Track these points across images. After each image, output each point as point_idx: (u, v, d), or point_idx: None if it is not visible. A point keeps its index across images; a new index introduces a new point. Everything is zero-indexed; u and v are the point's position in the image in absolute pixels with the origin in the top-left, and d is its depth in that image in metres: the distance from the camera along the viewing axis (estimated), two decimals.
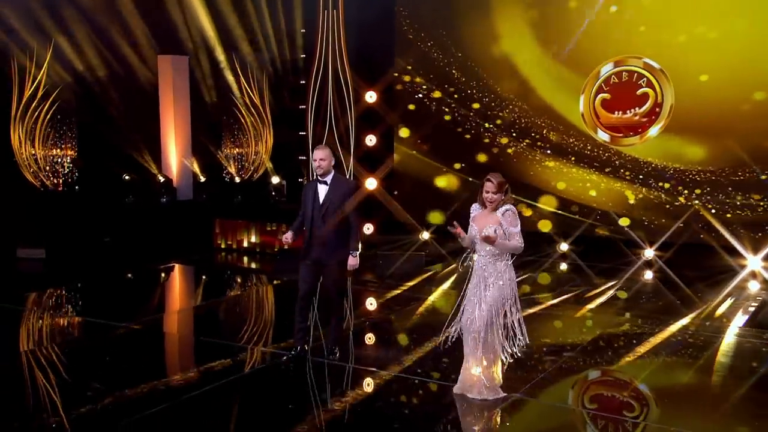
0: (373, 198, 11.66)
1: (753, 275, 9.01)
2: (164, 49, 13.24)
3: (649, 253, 9.83)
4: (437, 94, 11.42)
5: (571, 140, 10.53)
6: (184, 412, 5.02)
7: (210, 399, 5.23)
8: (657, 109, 9.79)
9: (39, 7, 11.70)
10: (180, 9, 12.57)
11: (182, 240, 11.74)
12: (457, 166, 11.35)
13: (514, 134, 10.90)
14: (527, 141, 10.77)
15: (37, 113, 11.91)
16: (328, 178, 6.20)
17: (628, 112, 10.01)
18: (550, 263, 10.24)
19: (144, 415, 4.87)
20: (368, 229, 11.30)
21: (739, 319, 7.63)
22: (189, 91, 13.60)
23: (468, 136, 11.28)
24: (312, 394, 5.52)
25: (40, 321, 8.09)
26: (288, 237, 6.09)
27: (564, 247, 10.46)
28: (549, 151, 10.67)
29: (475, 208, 5.14)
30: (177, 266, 10.63)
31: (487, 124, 11.07)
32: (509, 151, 10.92)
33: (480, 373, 5.09)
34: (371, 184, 11.46)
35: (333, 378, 5.80)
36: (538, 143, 10.70)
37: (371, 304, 8.39)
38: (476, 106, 11.13)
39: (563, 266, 10.21)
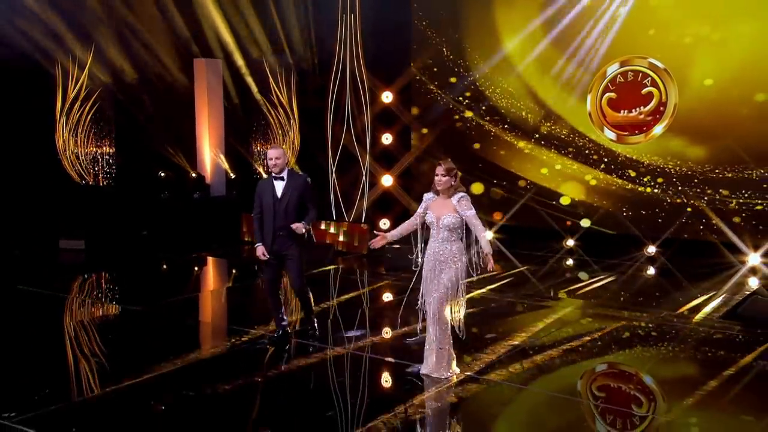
0: (390, 194, 11.99)
1: (752, 271, 9.05)
2: (199, 52, 13.52)
3: (651, 249, 9.98)
4: (450, 96, 11.57)
5: (579, 141, 10.66)
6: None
7: (191, 374, 5.75)
8: (661, 108, 9.90)
9: (81, 12, 12.03)
10: (213, 15, 12.87)
11: (212, 233, 12.11)
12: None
13: (520, 132, 11.06)
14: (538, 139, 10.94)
15: (79, 113, 12.22)
16: (284, 174, 6.49)
17: (633, 110, 10.14)
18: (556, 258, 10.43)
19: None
20: (384, 224, 11.60)
21: (715, 312, 7.69)
22: (222, 92, 13.82)
23: (475, 133, 11.45)
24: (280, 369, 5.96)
25: (78, 304, 8.66)
26: (262, 252, 6.39)
27: (570, 242, 10.67)
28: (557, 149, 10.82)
29: (428, 197, 5.41)
30: (209, 258, 10.99)
31: (502, 126, 11.22)
32: (526, 149, 11.07)
33: (440, 353, 5.38)
34: (387, 181, 11.84)
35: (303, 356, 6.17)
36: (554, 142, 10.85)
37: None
38: (485, 106, 11.28)
39: (570, 261, 10.34)
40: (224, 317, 8.24)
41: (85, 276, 10.11)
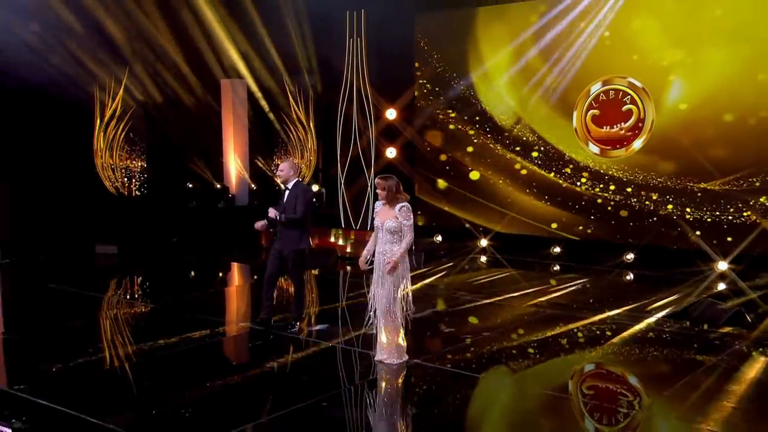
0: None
1: (720, 277, 9.34)
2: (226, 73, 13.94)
3: (629, 256, 10.41)
4: (452, 113, 11.96)
5: (567, 155, 11.01)
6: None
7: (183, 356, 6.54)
8: (640, 124, 10.26)
9: (117, 38, 12.48)
10: (236, 41, 13.27)
11: (235, 240, 12.65)
12: (475, 175, 11.91)
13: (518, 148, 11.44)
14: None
15: (114, 131, 12.70)
16: (290, 185, 7.00)
17: (614, 126, 10.49)
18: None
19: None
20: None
21: (667, 311, 8.03)
22: (246, 110, 14.22)
23: (472, 148, 11.82)
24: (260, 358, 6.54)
25: (116, 299, 9.39)
26: (262, 224, 7.10)
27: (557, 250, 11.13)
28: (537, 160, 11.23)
29: (378, 205, 5.94)
30: (232, 262, 11.69)
31: (502, 141, 11.60)
32: (522, 170, 11.46)
33: (389, 341, 5.95)
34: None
35: (283, 346, 6.80)
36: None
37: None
38: (490, 125, 11.64)
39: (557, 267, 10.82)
40: (235, 311, 8.88)
41: (118, 277, 10.84)
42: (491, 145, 11.68)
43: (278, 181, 7.41)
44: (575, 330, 7.45)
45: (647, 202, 10.37)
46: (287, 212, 6.93)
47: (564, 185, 11.07)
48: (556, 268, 10.74)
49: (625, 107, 10.39)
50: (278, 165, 7.44)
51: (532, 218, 11.46)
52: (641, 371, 6.26)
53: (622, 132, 10.43)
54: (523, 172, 11.44)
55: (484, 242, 11.66)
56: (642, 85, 10.21)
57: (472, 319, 8.12)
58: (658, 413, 5.37)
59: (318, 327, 7.52)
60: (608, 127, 10.55)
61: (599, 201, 10.76)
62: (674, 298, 8.62)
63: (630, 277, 10.09)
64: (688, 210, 10.10)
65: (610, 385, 6.12)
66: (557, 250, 11.10)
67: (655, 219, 10.32)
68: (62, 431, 5.05)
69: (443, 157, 12.17)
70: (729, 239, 9.78)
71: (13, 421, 5.08)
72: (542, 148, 11.23)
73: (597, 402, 5.58)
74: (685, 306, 8.00)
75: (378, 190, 5.89)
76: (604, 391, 5.93)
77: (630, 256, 10.39)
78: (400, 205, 5.86)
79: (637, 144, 10.31)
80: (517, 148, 11.47)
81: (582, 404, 5.51)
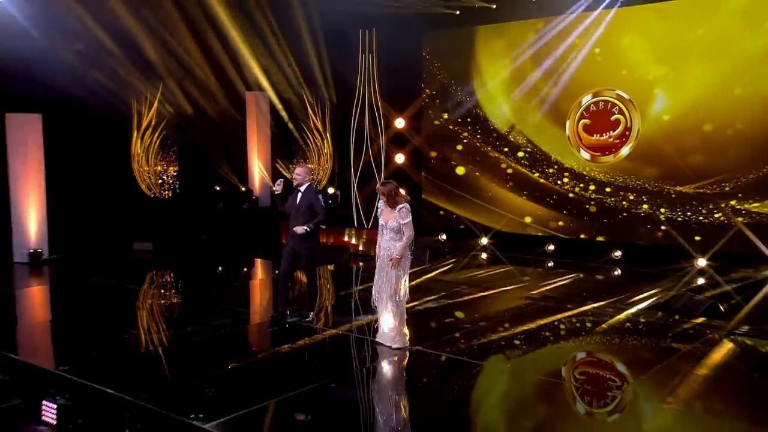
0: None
1: (699, 272, 9.42)
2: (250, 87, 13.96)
3: (617, 253, 10.47)
4: (457, 124, 12.00)
5: (560, 161, 11.06)
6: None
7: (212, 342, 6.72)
8: (627, 133, 10.34)
9: (152, 56, 12.57)
10: (259, 56, 13.26)
11: (258, 238, 12.68)
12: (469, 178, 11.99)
13: (520, 154, 11.51)
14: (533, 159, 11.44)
15: (149, 139, 12.88)
16: (303, 188, 7.11)
17: (604, 134, 10.57)
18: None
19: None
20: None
21: (649, 303, 8.08)
22: (269, 119, 14.16)
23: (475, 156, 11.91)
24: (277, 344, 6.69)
25: (151, 291, 9.60)
26: (279, 187, 7.05)
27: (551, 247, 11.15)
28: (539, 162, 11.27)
29: (381, 205, 6.13)
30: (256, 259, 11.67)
31: (504, 149, 11.68)
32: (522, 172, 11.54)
33: (391, 327, 6.09)
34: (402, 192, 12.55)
35: (298, 334, 6.86)
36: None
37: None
38: (495, 134, 11.71)
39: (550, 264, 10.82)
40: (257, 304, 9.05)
41: (153, 271, 11.01)
42: (494, 154, 11.75)
43: (295, 184, 7.30)
44: (565, 320, 7.53)
45: (624, 203, 10.46)
46: (304, 214, 6.99)
47: (551, 187, 11.17)
48: (550, 264, 10.77)
49: (613, 117, 10.47)
50: (296, 170, 7.30)
51: (532, 219, 11.54)
52: (624, 357, 6.38)
53: (611, 140, 10.51)
54: (518, 172, 11.49)
55: (484, 240, 11.74)
56: (629, 97, 10.30)
57: (471, 310, 8.18)
58: (639, 395, 5.48)
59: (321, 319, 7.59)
60: (598, 135, 10.63)
61: (591, 202, 10.80)
62: (656, 292, 8.66)
63: (618, 272, 10.12)
64: (662, 210, 10.19)
65: (597, 371, 6.22)
66: (551, 247, 11.15)
67: (637, 218, 10.37)
68: (101, 407, 5.20)
69: (454, 163, 12.22)
70: (697, 238, 9.86)
71: (58, 398, 5.27)
72: (534, 154, 11.30)
73: (587, 386, 5.69)
74: (666, 299, 8.08)
75: (380, 194, 6.08)
76: (593, 376, 6.04)
77: (618, 253, 10.45)
78: (400, 206, 6.02)
79: (625, 151, 10.40)
80: (520, 156, 11.51)
81: (574, 388, 5.60)
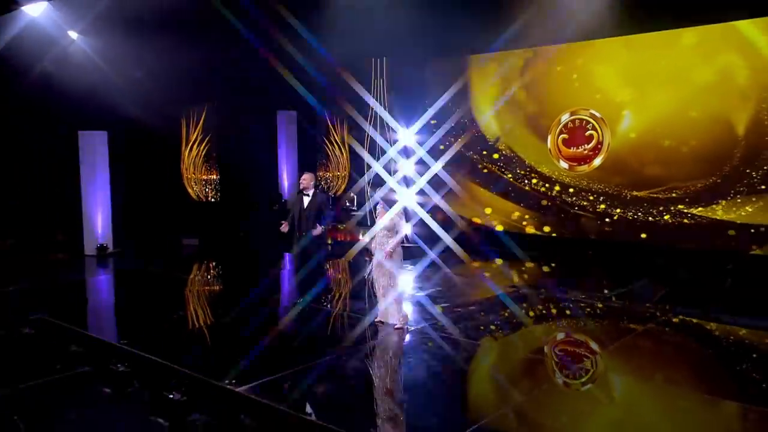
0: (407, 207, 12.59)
1: (653, 265, 9.39)
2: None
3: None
4: (453, 137, 11.90)
5: (551, 172, 10.96)
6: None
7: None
8: (599, 146, 10.30)
9: (198, 80, 12.40)
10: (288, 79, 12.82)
11: (286, 235, 12.80)
12: (468, 187, 11.89)
13: (503, 164, 11.46)
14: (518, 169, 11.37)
15: (196, 151, 13.13)
16: (310, 192, 7.00)
17: (579, 147, 10.54)
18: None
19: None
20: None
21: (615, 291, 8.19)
22: (296, 133, 14.29)
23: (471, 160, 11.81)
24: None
25: (196, 279, 9.70)
26: (284, 227, 6.99)
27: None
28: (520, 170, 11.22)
29: (378, 208, 6.30)
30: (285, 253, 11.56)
31: (492, 156, 11.64)
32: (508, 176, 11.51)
33: (391, 308, 6.24)
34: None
35: (316, 314, 7.02)
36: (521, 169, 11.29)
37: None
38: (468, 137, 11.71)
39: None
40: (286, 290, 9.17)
41: (199, 262, 11.14)
42: (484, 163, 11.72)
43: (302, 188, 7.07)
44: (545, 305, 7.62)
45: (583, 202, 10.48)
46: (311, 217, 6.90)
47: (540, 192, 11.10)
48: (533, 259, 10.63)
49: (587, 133, 10.44)
50: (303, 176, 7.10)
51: (514, 220, 11.52)
52: (593, 336, 6.48)
53: (586, 152, 10.49)
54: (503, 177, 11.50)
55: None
56: (601, 115, 10.28)
57: (464, 296, 8.20)
58: (608, 368, 5.60)
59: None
60: (575, 148, 10.60)
61: (564, 203, 10.77)
62: (621, 281, 8.78)
63: (591, 266, 10.15)
64: (617, 210, 10.20)
65: (572, 348, 6.29)
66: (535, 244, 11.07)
67: (607, 219, 10.28)
68: (152, 373, 5.42)
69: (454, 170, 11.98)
70: (643, 236, 9.89)
71: (119, 365, 5.54)
72: (511, 159, 11.21)
73: (564, 361, 5.80)
74: (630, 287, 8.21)
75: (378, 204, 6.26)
76: (569, 353, 6.13)
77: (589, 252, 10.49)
78: (396, 211, 6.18)
79: (597, 161, 10.37)
80: (522, 172, 11.40)
81: (554, 363, 5.73)
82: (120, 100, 11.48)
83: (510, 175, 11.51)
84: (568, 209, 10.80)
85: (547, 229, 11.18)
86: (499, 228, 11.60)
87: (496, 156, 11.64)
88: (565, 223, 10.88)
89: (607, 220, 10.34)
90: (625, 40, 9.92)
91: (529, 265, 10.30)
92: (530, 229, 11.36)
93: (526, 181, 11.30)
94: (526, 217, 11.37)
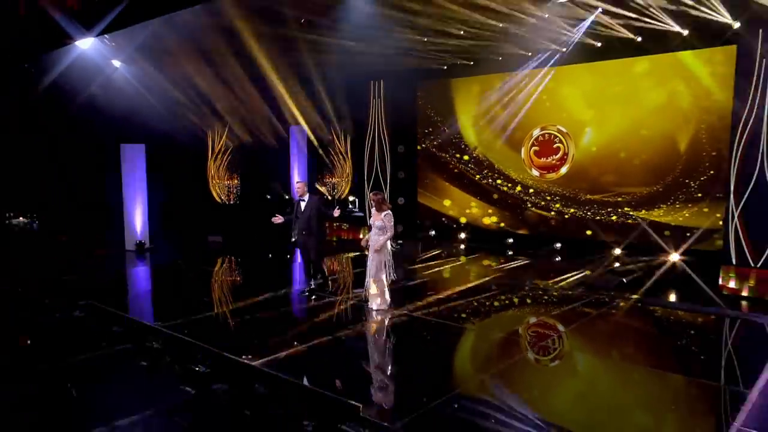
0: (402, 209, 12.24)
1: (617, 258, 9.52)
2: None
3: (557, 245, 10.55)
4: (441, 150, 11.99)
5: (519, 177, 11.09)
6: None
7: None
8: (565, 157, 10.43)
9: (221, 102, 12.46)
10: (299, 99, 12.96)
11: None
12: (450, 191, 11.91)
13: (486, 172, 11.52)
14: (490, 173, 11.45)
15: (220, 160, 13.09)
16: (305, 198, 7.04)
17: (548, 158, 10.64)
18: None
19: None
20: (399, 228, 11.62)
21: (577, 280, 8.20)
22: (306, 146, 13.93)
23: (456, 170, 11.87)
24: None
25: (220, 271, 9.68)
26: (276, 219, 6.89)
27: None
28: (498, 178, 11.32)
29: (373, 210, 6.32)
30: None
31: (471, 165, 11.70)
32: (483, 181, 11.53)
33: (376, 294, 6.30)
34: (401, 200, 12.33)
35: (319, 300, 7.11)
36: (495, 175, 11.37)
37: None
38: (466, 158, 11.72)
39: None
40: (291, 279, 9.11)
41: (222, 257, 11.04)
42: (471, 172, 11.71)
43: (297, 194, 6.97)
44: (519, 293, 7.67)
45: (541, 202, 10.58)
46: (306, 219, 6.89)
47: (516, 197, 11.19)
48: (509, 252, 10.80)
49: (555, 145, 10.54)
50: (297, 184, 7.05)
51: (475, 214, 11.57)
52: (559, 320, 6.57)
53: (554, 162, 10.59)
54: (496, 196, 11.53)
55: (462, 235, 11.84)
56: (567, 131, 10.38)
57: (448, 284, 8.17)
58: (572, 347, 5.70)
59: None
60: (545, 158, 10.69)
61: (536, 206, 10.87)
62: (583, 272, 8.84)
63: (558, 258, 10.23)
64: (571, 210, 10.32)
65: (540, 330, 6.35)
66: (510, 240, 11.25)
67: (571, 218, 10.35)
68: (181, 350, 5.53)
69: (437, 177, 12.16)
70: (588, 232, 9.99)
71: (154, 343, 5.70)
72: (500, 170, 11.29)
73: (535, 341, 5.88)
74: (589, 276, 8.33)
75: (371, 202, 6.28)
76: (539, 334, 6.19)
77: (557, 245, 10.59)
78: (385, 212, 6.25)
79: (563, 170, 10.49)
80: (486, 173, 11.48)
81: (527, 343, 5.81)
82: (155, 117, 11.57)
83: (478, 177, 11.58)
84: (525, 207, 10.87)
85: (502, 224, 11.29)
86: (463, 220, 11.70)
87: (466, 158, 11.68)
88: (521, 219, 10.93)
89: (559, 217, 10.48)
90: (587, 66, 10.03)
91: (490, 257, 10.40)
92: (486, 220, 11.50)
93: (490, 181, 11.38)
94: (489, 212, 11.46)
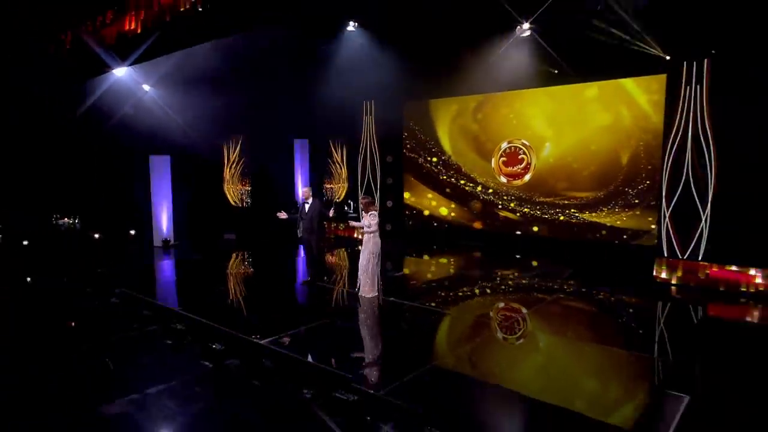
0: (391, 209, 12.28)
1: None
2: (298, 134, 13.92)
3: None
4: (423, 159, 11.85)
5: (484, 180, 11.03)
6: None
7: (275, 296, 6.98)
8: (528, 167, 10.42)
9: (229, 120, 11.98)
10: (302, 115, 12.99)
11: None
12: (430, 195, 11.81)
13: (463, 179, 11.40)
14: (464, 180, 11.38)
15: (234, 168, 12.96)
16: (309, 201, 7.04)
17: (514, 167, 10.62)
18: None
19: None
20: (387, 227, 11.93)
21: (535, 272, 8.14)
22: (308, 155, 14.15)
23: (440, 177, 11.72)
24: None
25: (233, 264, 9.62)
26: (282, 215, 6.93)
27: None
28: (472, 184, 11.22)
29: (362, 213, 6.35)
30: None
31: (445, 171, 11.58)
32: (460, 184, 11.42)
33: (366, 283, 6.34)
34: (389, 203, 12.26)
35: (318, 289, 7.08)
36: (467, 181, 11.29)
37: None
38: (435, 159, 11.53)
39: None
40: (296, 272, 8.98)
41: (236, 252, 10.83)
42: (451, 179, 11.60)
43: (303, 198, 6.99)
44: (484, 282, 7.70)
45: (529, 211, 10.49)
46: (311, 220, 6.89)
47: (487, 200, 11.10)
48: (477, 253, 10.63)
49: (520, 156, 10.53)
50: (303, 189, 7.12)
51: (436, 208, 11.47)
52: (521, 305, 6.55)
53: (519, 170, 10.58)
54: (463, 189, 11.41)
55: (444, 234, 11.64)
56: (530, 144, 10.38)
57: (429, 275, 8.24)
58: (534, 328, 5.72)
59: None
60: (511, 167, 10.66)
61: (502, 209, 10.80)
62: (536, 265, 8.88)
63: (518, 255, 10.17)
64: (526, 209, 10.35)
65: (507, 313, 6.31)
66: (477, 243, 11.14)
67: (532, 220, 10.31)
68: (200, 331, 5.48)
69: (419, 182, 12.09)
70: (535, 228, 10.01)
71: (177, 325, 5.67)
72: (472, 177, 11.24)
73: (502, 322, 5.91)
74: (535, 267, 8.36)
75: (360, 204, 6.34)
76: (506, 316, 6.15)
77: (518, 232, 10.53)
78: (371, 213, 6.30)
79: (527, 177, 10.47)
80: (462, 182, 11.43)
81: (496, 323, 5.82)
82: (179, 133, 11.54)
83: (445, 177, 11.53)
84: (485, 205, 10.86)
85: (462, 219, 11.21)
86: (426, 213, 11.62)
87: (435, 159, 11.63)
88: (479, 215, 10.91)
89: (511, 215, 10.52)
90: (546, 90, 10.08)
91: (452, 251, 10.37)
92: (443, 211, 11.46)
93: (453, 180, 11.33)
94: (452, 206, 11.39)
